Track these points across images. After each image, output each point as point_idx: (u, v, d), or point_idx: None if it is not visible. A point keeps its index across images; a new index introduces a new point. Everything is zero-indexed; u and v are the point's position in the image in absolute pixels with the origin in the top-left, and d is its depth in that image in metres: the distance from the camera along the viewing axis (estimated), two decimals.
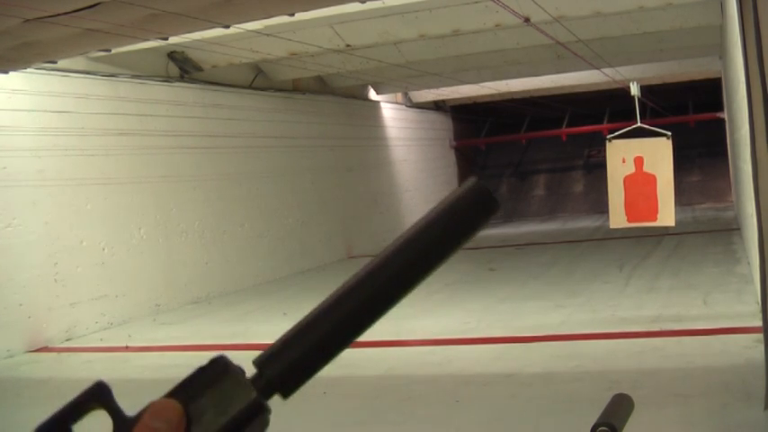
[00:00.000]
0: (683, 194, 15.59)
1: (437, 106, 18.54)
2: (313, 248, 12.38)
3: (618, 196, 8.34)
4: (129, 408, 0.59)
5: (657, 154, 8.14)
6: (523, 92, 16.47)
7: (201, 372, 0.59)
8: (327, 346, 0.59)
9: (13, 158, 7.66)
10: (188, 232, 9.85)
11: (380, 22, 9.12)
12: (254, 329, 7.69)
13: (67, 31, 5.67)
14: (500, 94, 16.33)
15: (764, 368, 4.19)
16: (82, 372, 6.60)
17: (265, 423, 0.58)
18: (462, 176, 19.06)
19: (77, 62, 8.21)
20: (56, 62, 7.56)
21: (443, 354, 6.33)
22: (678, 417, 4.32)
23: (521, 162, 20.82)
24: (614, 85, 13.58)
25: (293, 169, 12.16)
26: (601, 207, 14.00)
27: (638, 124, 8.32)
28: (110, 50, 7.75)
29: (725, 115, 14.10)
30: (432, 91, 15.97)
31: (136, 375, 6.10)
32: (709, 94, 16.64)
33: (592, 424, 1.20)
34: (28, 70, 7.59)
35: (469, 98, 17.24)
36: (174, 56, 9.83)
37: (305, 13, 7.15)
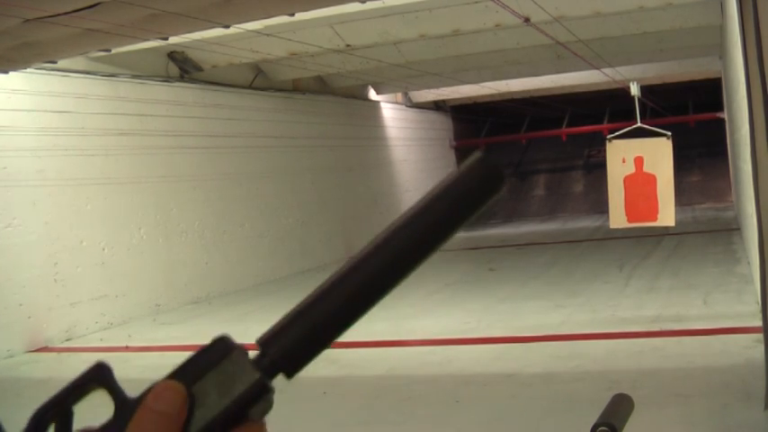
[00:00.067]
0: (683, 194, 15.57)
1: (437, 106, 18.53)
2: (313, 248, 12.37)
3: (618, 196, 8.35)
4: None
5: (657, 154, 8.14)
6: (523, 92, 16.47)
7: (204, 352, 0.59)
8: (332, 323, 0.58)
9: (13, 158, 7.66)
10: (188, 232, 9.85)
11: (380, 22, 9.12)
12: (254, 329, 7.44)
13: (67, 31, 5.67)
14: (500, 94, 16.33)
15: (764, 368, 4.20)
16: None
17: (269, 403, 0.57)
18: None
19: (77, 62, 8.21)
20: (56, 62, 7.56)
21: (443, 354, 6.33)
22: (678, 417, 4.32)
23: (521, 162, 20.81)
24: (614, 85, 13.58)
25: (293, 169, 12.16)
26: (601, 207, 13.99)
27: (638, 124, 8.32)
28: (110, 50, 7.75)
29: (725, 115, 14.10)
30: (432, 91, 15.97)
31: (136, 375, 6.06)
32: (709, 94, 16.64)
33: (592, 424, 1.20)
34: (28, 70, 7.59)
35: (469, 98, 17.23)
36: (174, 56, 9.83)
37: (305, 13, 7.15)
